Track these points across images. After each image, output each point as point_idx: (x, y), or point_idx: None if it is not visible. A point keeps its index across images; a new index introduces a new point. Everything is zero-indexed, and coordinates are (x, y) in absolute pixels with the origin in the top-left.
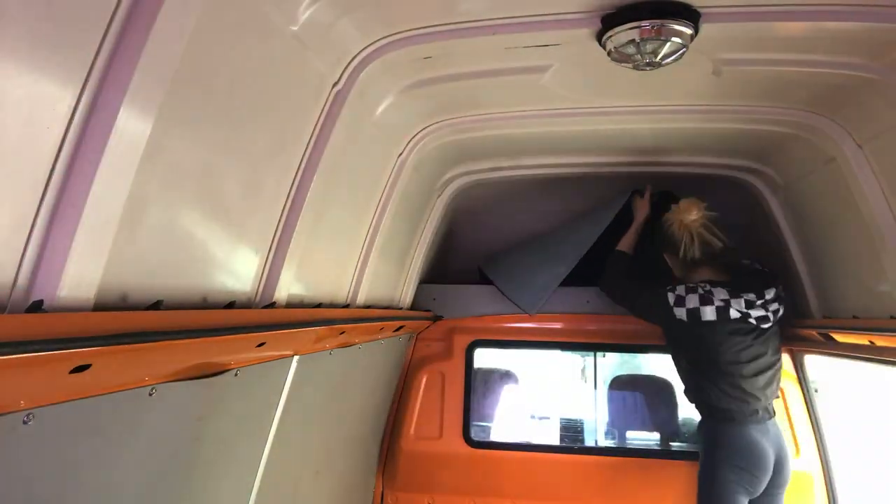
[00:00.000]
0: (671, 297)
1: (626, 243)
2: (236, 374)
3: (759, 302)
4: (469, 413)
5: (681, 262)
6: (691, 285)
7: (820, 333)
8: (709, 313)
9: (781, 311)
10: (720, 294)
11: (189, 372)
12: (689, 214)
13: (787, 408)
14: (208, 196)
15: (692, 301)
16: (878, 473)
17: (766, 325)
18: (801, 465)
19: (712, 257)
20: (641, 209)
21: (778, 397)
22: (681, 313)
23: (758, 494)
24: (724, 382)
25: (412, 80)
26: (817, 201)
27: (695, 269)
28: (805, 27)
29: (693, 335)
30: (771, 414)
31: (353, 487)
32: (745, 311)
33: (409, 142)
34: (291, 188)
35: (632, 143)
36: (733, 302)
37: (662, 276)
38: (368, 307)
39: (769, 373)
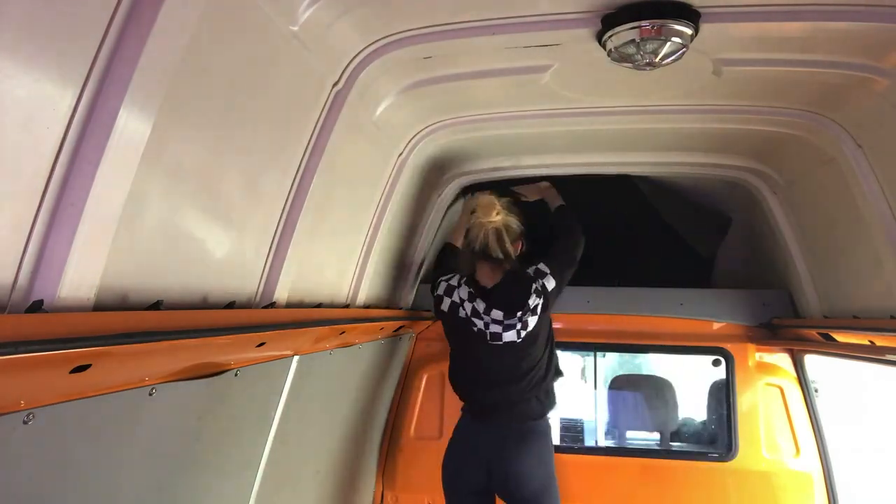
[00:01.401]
0: (435, 282)
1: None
2: (236, 374)
3: (486, 315)
4: None
5: (466, 247)
6: (451, 277)
7: (820, 333)
8: (445, 304)
9: (528, 328)
10: (462, 293)
11: (189, 372)
12: (487, 216)
13: (787, 408)
14: (208, 196)
15: (440, 288)
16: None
17: (494, 342)
18: (801, 465)
19: (489, 259)
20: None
21: (537, 402)
22: (434, 298)
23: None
24: (461, 374)
25: (412, 80)
26: (817, 201)
27: (475, 262)
28: (805, 27)
29: (443, 322)
30: (506, 418)
31: (353, 487)
32: (469, 316)
33: (409, 142)
34: (291, 188)
35: (632, 142)
36: (466, 305)
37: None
38: (368, 307)
39: (516, 384)
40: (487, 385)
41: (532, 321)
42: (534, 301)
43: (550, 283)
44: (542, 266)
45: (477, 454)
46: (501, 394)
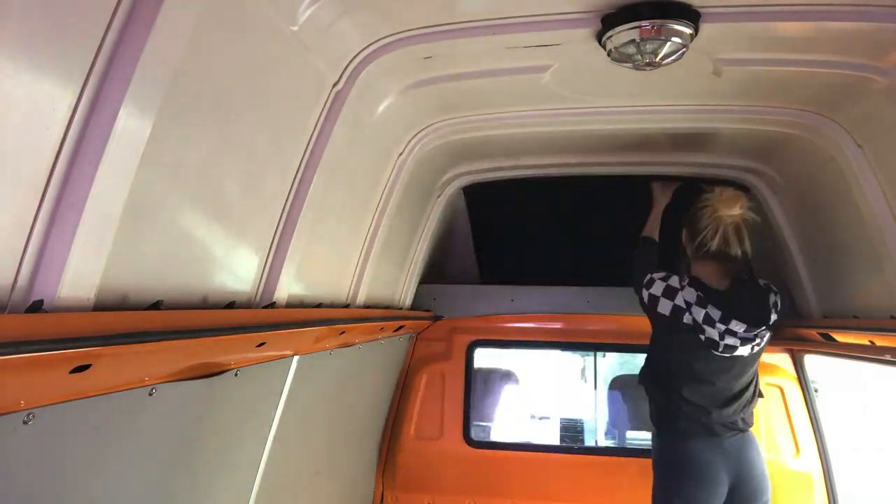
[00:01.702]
0: (646, 278)
1: (651, 229)
2: (236, 374)
3: (721, 324)
4: (469, 413)
5: (693, 247)
6: (672, 275)
7: (820, 333)
8: (664, 307)
9: (760, 345)
10: (689, 296)
11: (189, 372)
12: (729, 209)
13: (787, 408)
14: (208, 196)
15: (656, 287)
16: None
17: (725, 353)
18: (801, 465)
19: (724, 258)
20: (664, 195)
21: (747, 417)
22: (644, 295)
23: None
24: (678, 388)
25: (412, 80)
26: (817, 201)
27: (701, 262)
28: (805, 27)
29: (656, 324)
30: (734, 430)
31: (353, 487)
32: (700, 323)
33: (409, 142)
34: (291, 188)
35: (632, 143)
36: (694, 309)
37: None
38: (368, 307)
39: (733, 395)
40: (710, 400)
41: (766, 338)
42: (773, 317)
43: (779, 302)
44: (769, 283)
45: (707, 479)
46: (720, 408)
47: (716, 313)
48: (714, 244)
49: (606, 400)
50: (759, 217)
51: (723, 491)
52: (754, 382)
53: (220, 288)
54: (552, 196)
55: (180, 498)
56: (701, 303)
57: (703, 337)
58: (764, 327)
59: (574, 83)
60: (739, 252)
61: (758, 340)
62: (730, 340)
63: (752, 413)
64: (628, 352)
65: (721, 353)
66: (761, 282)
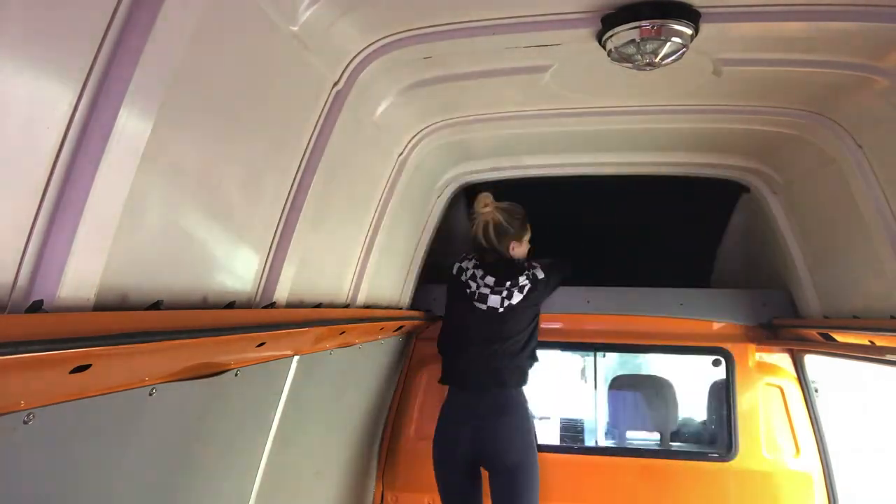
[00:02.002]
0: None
1: None
2: (236, 374)
3: (480, 280)
4: None
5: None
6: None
7: (820, 333)
8: (455, 269)
9: (511, 301)
10: (468, 264)
11: (189, 372)
12: (478, 207)
13: (787, 408)
14: (208, 196)
15: (459, 260)
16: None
17: (481, 304)
18: (801, 465)
19: (483, 248)
20: None
21: (508, 381)
22: (455, 268)
23: (463, 471)
24: (447, 336)
25: (412, 80)
26: (817, 201)
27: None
28: (805, 27)
29: (449, 288)
30: (490, 387)
31: (353, 487)
32: (467, 280)
33: (409, 142)
34: (291, 188)
35: (632, 143)
36: (469, 272)
37: None
38: (368, 307)
39: (491, 338)
40: (467, 345)
41: (516, 297)
42: (522, 280)
43: (540, 274)
44: (534, 263)
45: (461, 421)
46: (478, 354)
47: (479, 272)
48: (472, 234)
49: (606, 400)
50: (515, 224)
51: (462, 454)
52: (522, 342)
53: (220, 288)
54: (552, 196)
55: (180, 498)
56: (475, 267)
57: (468, 291)
58: (508, 283)
59: (574, 83)
60: (485, 244)
61: (506, 294)
62: (483, 290)
63: (514, 373)
64: (628, 352)
65: (478, 302)
66: (524, 262)
